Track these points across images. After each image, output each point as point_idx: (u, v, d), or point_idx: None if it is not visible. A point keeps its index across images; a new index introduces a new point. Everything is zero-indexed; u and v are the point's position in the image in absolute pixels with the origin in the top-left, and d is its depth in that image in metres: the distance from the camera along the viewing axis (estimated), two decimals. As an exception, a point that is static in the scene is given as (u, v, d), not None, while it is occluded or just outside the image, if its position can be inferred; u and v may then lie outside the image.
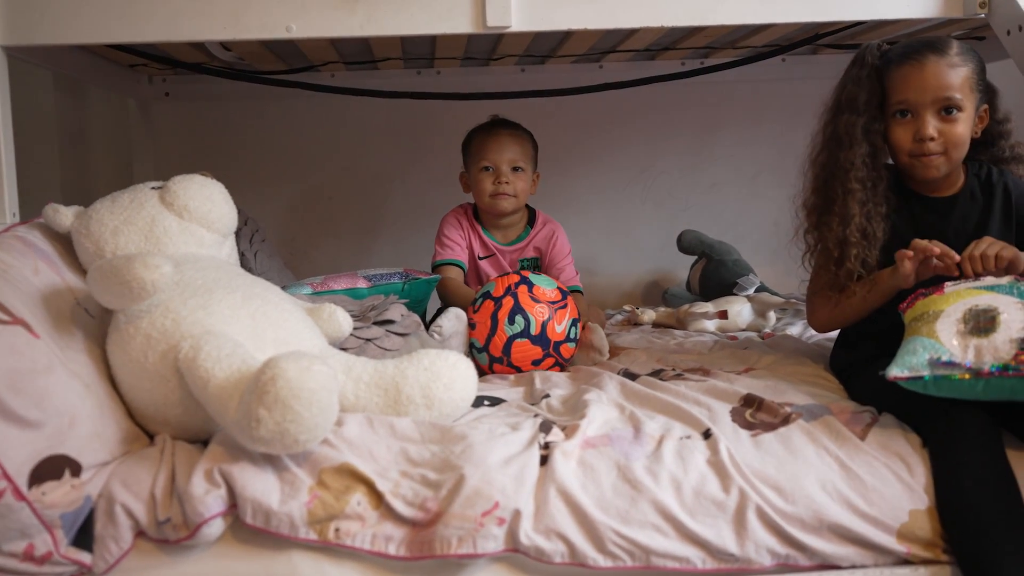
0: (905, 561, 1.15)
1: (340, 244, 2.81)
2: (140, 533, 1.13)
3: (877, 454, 1.22)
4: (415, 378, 1.29)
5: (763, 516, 1.14)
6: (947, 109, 1.43)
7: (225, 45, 2.13)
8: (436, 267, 2.07)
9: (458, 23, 1.60)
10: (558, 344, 1.70)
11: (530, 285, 1.71)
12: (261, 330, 1.27)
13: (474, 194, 2.09)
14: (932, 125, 1.44)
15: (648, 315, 2.30)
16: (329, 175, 2.79)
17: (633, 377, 1.56)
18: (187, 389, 1.19)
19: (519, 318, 1.67)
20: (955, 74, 1.43)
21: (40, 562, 1.07)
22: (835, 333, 1.67)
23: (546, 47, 2.39)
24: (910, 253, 1.39)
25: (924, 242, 1.39)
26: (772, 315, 2.19)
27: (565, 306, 1.72)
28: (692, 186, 2.85)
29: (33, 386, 1.09)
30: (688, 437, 1.24)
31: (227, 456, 1.15)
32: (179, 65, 2.30)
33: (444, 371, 1.30)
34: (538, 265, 2.13)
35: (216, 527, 1.12)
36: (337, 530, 1.13)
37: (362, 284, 1.81)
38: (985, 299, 1.27)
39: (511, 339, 1.68)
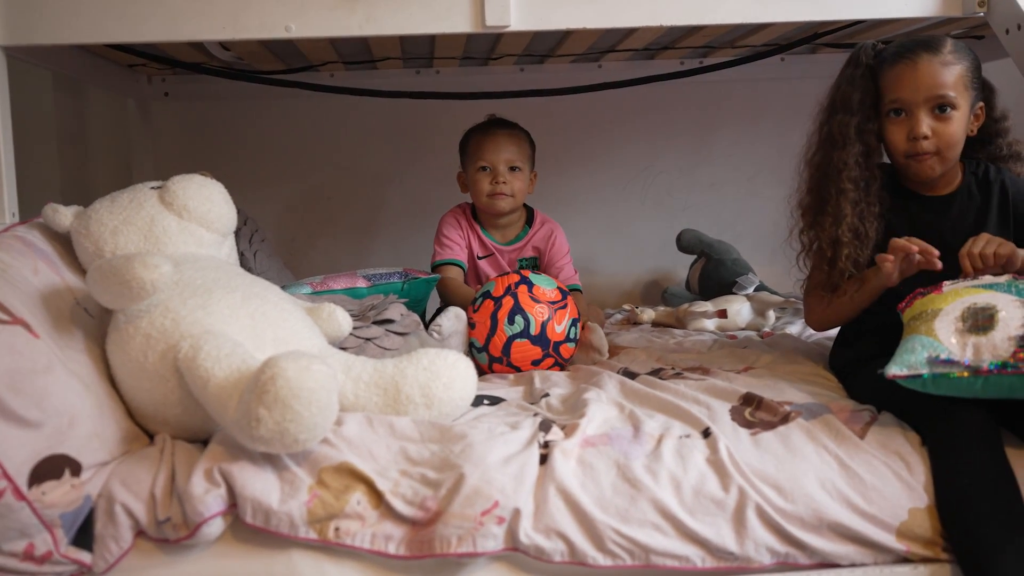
0: (905, 559, 1.15)
1: (339, 244, 2.81)
2: (140, 532, 1.13)
3: (876, 452, 1.22)
4: (414, 377, 1.29)
5: (763, 515, 1.14)
6: (941, 107, 1.44)
7: (224, 45, 2.13)
8: (435, 267, 2.07)
9: (457, 22, 1.60)
10: (558, 344, 1.70)
11: (530, 285, 1.72)
12: (260, 330, 1.27)
13: (472, 194, 2.09)
14: (926, 123, 1.44)
15: (647, 314, 2.30)
16: (328, 175, 2.79)
17: (633, 376, 1.56)
18: (187, 389, 1.19)
19: (519, 318, 1.67)
20: (948, 72, 1.43)
21: (40, 562, 1.07)
22: (835, 332, 1.67)
23: (545, 47, 2.39)
24: (890, 257, 1.39)
25: (902, 241, 1.39)
26: (771, 314, 2.19)
27: (565, 306, 1.72)
28: (691, 185, 2.85)
29: (33, 386, 1.10)
30: (687, 436, 1.24)
31: (227, 455, 1.15)
32: (178, 65, 2.30)
33: (443, 370, 1.30)
34: (537, 264, 2.13)
35: (216, 526, 1.12)
36: (337, 529, 1.13)
37: (361, 284, 1.81)
38: (983, 297, 1.27)
39: (511, 339, 1.68)
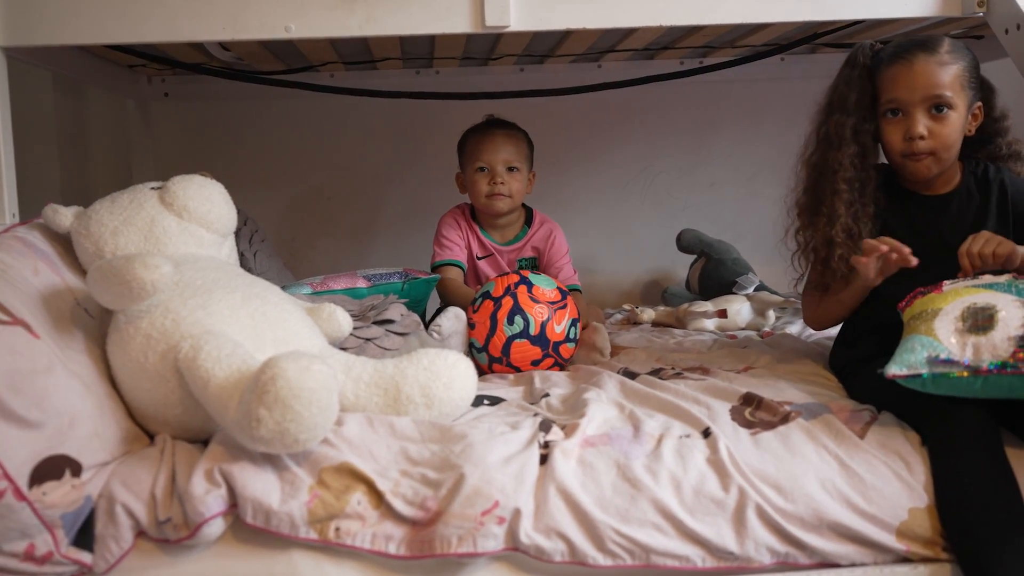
0: (905, 559, 1.16)
1: (339, 244, 2.81)
2: (141, 533, 1.13)
3: (876, 452, 1.22)
4: (415, 377, 1.29)
5: (763, 514, 1.14)
6: (937, 107, 1.44)
7: (224, 45, 2.13)
8: (435, 268, 2.07)
9: (457, 23, 1.60)
10: (557, 344, 1.70)
11: (529, 285, 1.72)
12: (261, 330, 1.27)
13: (470, 195, 2.09)
14: (922, 123, 1.44)
15: (647, 314, 2.30)
16: (328, 175, 2.79)
17: (633, 376, 1.56)
18: (187, 389, 1.19)
19: (518, 318, 1.67)
20: (945, 72, 1.43)
21: (41, 562, 1.07)
22: (835, 331, 1.67)
23: (545, 47, 2.39)
24: (863, 259, 1.39)
25: (873, 240, 1.39)
26: (771, 314, 2.19)
27: (564, 306, 1.72)
28: (691, 185, 2.85)
29: (33, 386, 1.10)
30: (687, 436, 1.24)
31: (227, 456, 1.15)
32: (178, 65, 2.30)
33: (444, 370, 1.30)
34: (536, 265, 2.13)
35: (216, 527, 1.12)
36: (337, 529, 1.13)
37: (362, 284, 1.82)
38: (983, 297, 1.27)
39: (510, 339, 1.68)
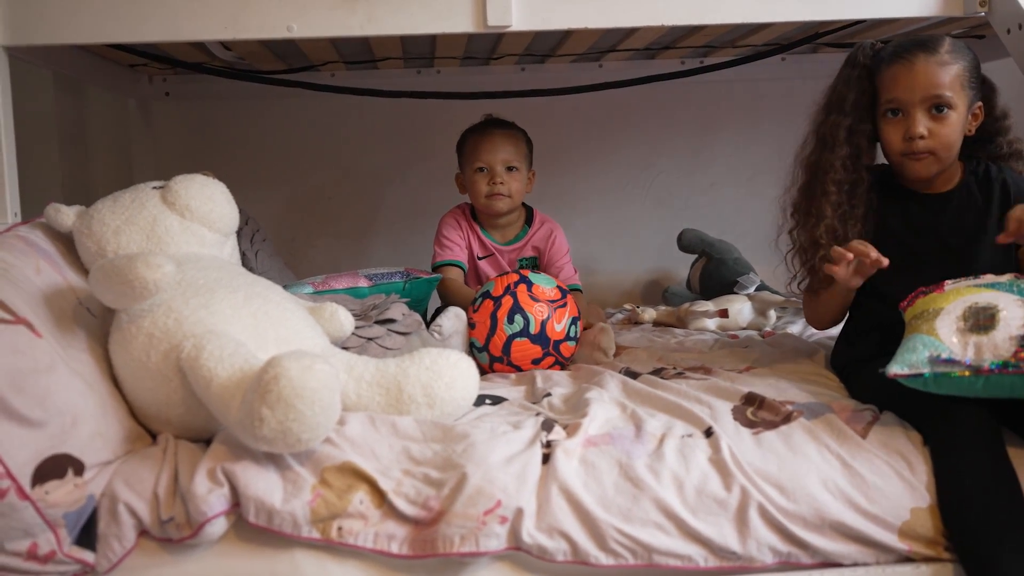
0: (907, 559, 1.16)
1: (339, 244, 2.81)
2: (143, 532, 1.13)
3: (878, 452, 1.22)
4: (417, 377, 1.29)
5: (765, 514, 1.14)
6: (937, 107, 1.43)
7: (225, 45, 2.13)
8: (436, 268, 2.07)
9: (458, 22, 1.60)
10: (558, 343, 1.70)
11: (529, 284, 1.72)
12: (263, 329, 1.27)
13: (470, 195, 2.09)
14: (922, 124, 1.43)
15: (648, 314, 2.30)
16: (329, 175, 2.79)
17: (634, 376, 1.56)
18: (189, 388, 1.19)
19: (518, 317, 1.68)
20: (945, 72, 1.42)
21: (43, 561, 1.08)
22: (836, 331, 1.67)
23: (546, 46, 2.39)
24: (835, 268, 1.39)
25: (840, 249, 1.40)
26: (772, 313, 2.19)
27: (564, 305, 1.72)
28: (692, 185, 2.85)
29: (36, 385, 1.10)
30: (690, 435, 1.24)
31: (230, 455, 1.15)
32: (179, 65, 2.30)
33: (446, 370, 1.31)
34: (537, 264, 2.13)
35: (219, 526, 1.12)
36: (340, 529, 1.13)
37: (363, 283, 1.81)
38: (985, 296, 1.27)
39: (510, 338, 1.68)
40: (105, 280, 1.21)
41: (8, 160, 1.57)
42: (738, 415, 1.31)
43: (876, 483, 1.18)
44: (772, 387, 1.44)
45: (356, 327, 1.51)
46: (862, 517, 1.15)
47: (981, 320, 1.24)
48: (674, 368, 1.63)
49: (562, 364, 1.73)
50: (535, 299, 1.70)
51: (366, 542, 1.13)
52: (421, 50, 2.40)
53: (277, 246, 2.36)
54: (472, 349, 1.73)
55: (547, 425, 1.26)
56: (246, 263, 1.91)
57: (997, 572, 1.09)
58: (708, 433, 1.25)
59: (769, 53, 2.36)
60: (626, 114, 2.77)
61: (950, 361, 1.21)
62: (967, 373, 1.20)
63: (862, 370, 1.45)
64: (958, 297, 1.29)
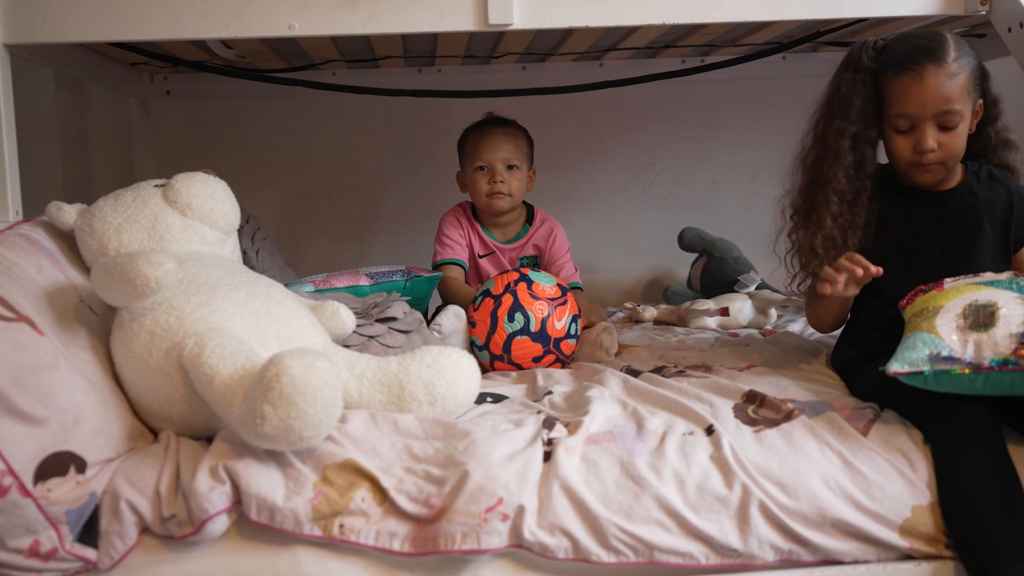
0: (908, 556, 1.16)
1: (340, 242, 2.81)
2: (145, 529, 1.13)
3: (879, 450, 1.22)
4: (418, 375, 1.29)
5: (766, 511, 1.15)
6: (948, 121, 1.41)
7: (226, 43, 2.13)
8: (436, 266, 2.07)
9: (460, 21, 1.60)
10: (558, 341, 1.70)
11: (529, 282, 1.72)
12: (265, 327, 1.27)
13: (471, 194, 2.09)
14: (932, 137, 1.41)
15: (649, 312, 2.30)
16: (330, 173, 2.80)
17: (635, 374, 1.56)
18: (191, 386, 1.19)
19: (519, 315, 1.68)
20: (954, 84, 1.39)
21: (45, 558, 1.08)
22: (837, 330, 1.67)
23: (547, 45, 2.39)
24: (827, 288, 1.39)
25: (830, 271, 1.39)
26: (773, 312, 2.19)
27: (565, 302, 1.72)
28: (693, 183, 2.85)
29: (38, 383, 1.10)
30: (691, 433, 1.25)
31: (231, 452, 1.15)
32: (180, 63, 2.30)
33: (447, 368, 1.31)
34: (537, 262, 2.13)
35: (221, 523, 1.12)
36: (341, 526, 1.13)
37: (364, 281, 1.82)
38: (985, 294, 1.27)
39: (511, 336, 1.68)
40: (107, 278, 1.21)
41: (10, 158, 1.57)
42: (739, 413, 1.32)
43: (877, 481, 1.18)
44: (773, 385, 1.44)
45: (357, 325, 1.52)
46: (863, 515, 1.15)
47: (981, 318, 1.24)
48: (675, 366, 1.63)
49: (563, 362, 1.74)
50: (535, 297, 1.70)
51: (368, 539, 1.13)
52: (422, 49, 2.40)
53: (278, 244, 2.36)
54: (473, 347, 1.73)
55: (548, 423, 1.26)
56: (247, 262, 1.91)
57: (998, 569, 1.09)
58: (709, 431, 1.25)
59: (770, 52, 2.36)
60: (627, 113, 2.77)
61: (950, 359, 1.21)
62: (967, 371, 1.20)
63: (863, 368, 1.45)
64: (958, 295, 1.29)
